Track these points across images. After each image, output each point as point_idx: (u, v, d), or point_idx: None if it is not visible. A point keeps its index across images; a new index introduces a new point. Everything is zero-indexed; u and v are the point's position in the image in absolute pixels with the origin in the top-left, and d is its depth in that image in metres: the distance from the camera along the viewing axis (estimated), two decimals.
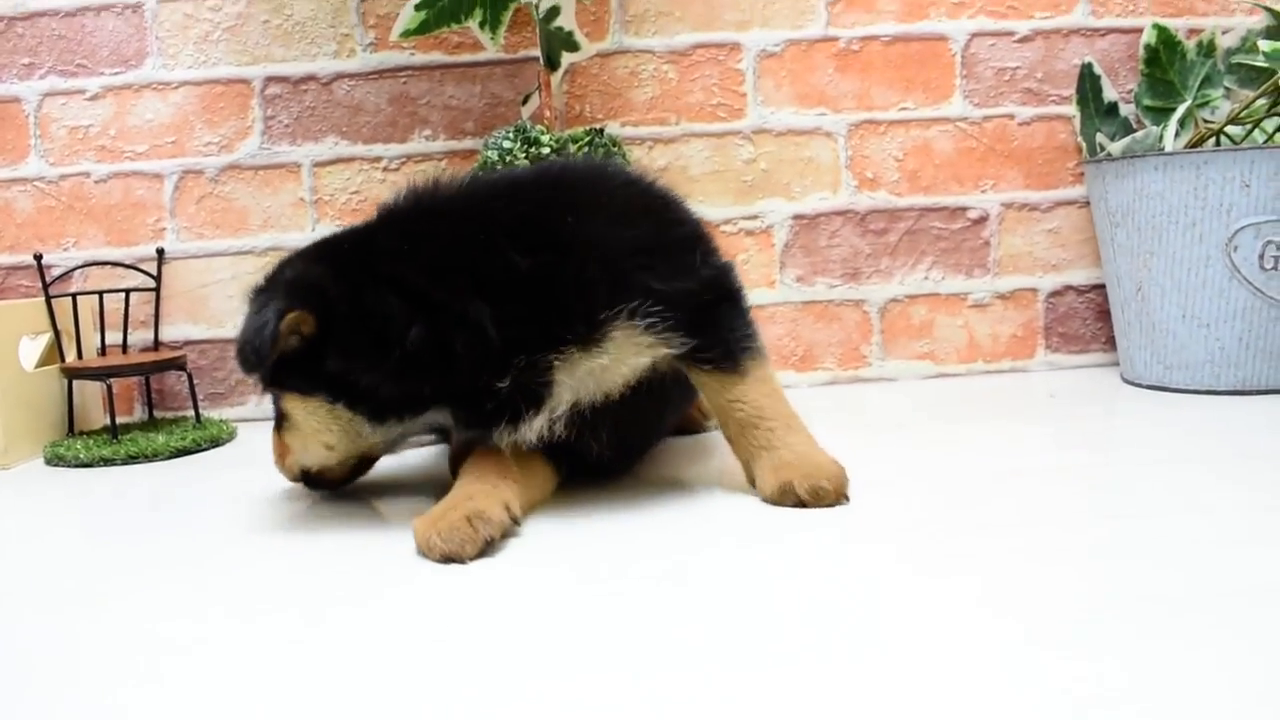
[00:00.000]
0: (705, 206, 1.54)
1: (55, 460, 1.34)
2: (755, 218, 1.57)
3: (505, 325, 0.88)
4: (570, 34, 1.41)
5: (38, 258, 1.45)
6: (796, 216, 1.57)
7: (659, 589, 0.74)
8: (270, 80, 1.56)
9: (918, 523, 0.87)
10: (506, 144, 1.31)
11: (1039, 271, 1.60)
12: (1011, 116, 1.58)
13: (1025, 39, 1.57)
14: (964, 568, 0.75)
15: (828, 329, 1.59)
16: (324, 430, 0.96)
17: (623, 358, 0.91)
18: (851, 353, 1.59)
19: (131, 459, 1.32)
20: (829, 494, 0.91)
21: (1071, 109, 1.57)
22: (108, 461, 1.32)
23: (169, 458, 1.33)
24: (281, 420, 1.01)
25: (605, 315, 0.89)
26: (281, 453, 1.03)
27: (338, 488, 1.07)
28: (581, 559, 0.82)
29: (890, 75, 1.56)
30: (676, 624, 0.67)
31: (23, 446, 1.38)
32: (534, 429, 0.92)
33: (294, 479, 1.04)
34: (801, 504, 0.91)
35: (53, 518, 1.09)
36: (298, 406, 0.96)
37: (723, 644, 0.63)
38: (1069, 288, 1.60)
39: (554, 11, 1.39)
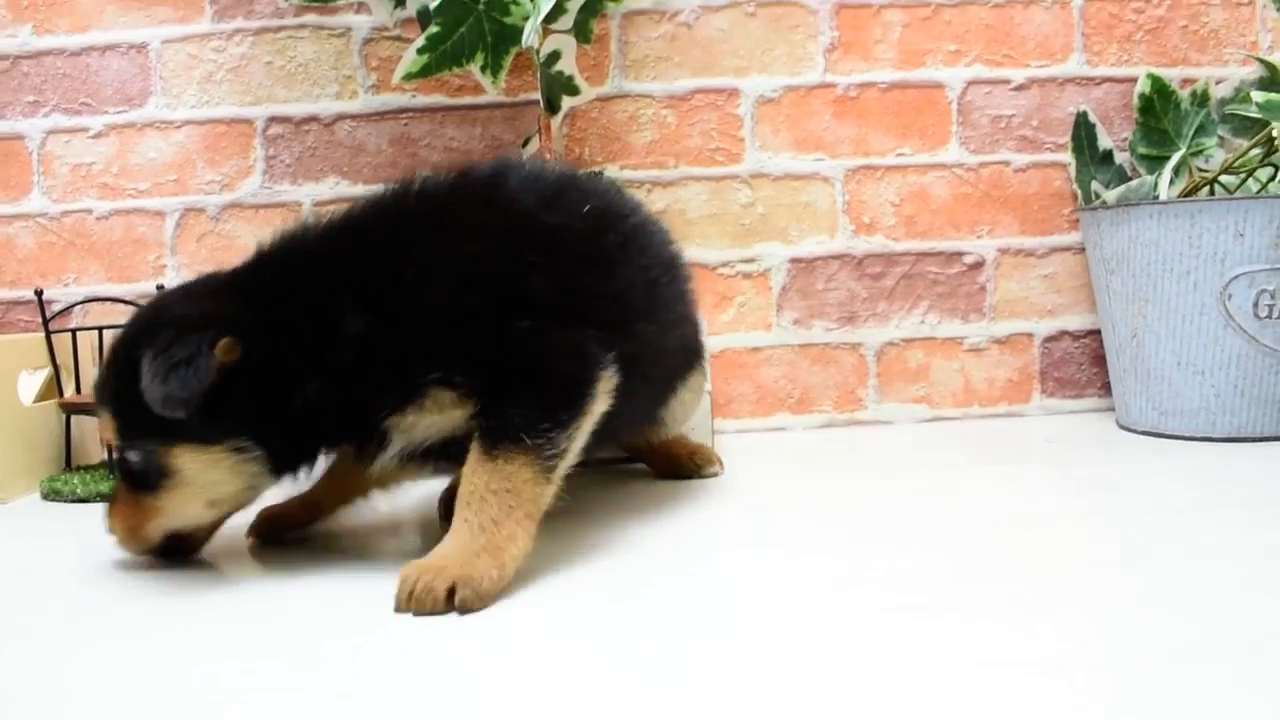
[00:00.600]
0: (703, 249, 1.56)
1: (52, 495, 1.34)
2: (752, 260, 1.58)
3: (339, 388, 0.87)
4: (571, 78, 1.43)
5: (38, 293, 1.45)
6: (794, 260, 1.58)
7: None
8: (273, 120, 1.58)
9: (915, 568, 0.87)
10: None
11: (1035, 316, 1.61)
12: (1007, 163, 1.59)
13: (1021, 87, 1.59)
14: (964, 613, 0.75)
15: (824, 372, 1.59)
16: (222, 483, 0.91)
17: (442, 414, 0.87)
18: (848, 395, 1.60)
19: None
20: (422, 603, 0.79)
21: (1067, 156, 1.59)
22: (105, 497, 1.31)
23: None
24: (148, 481, 0.90)
25: (421, 380, 0.86)
26: (138, 521, 0.93)
27: (196, 552, 0.99)
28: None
29: (887, 121, 1.58)
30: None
31: (20, 481, 1.38)
32: (385, 462, 0.91)
33: (147, 550, 0.96)
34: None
35: (50, 554, 1.08)
36: (195, 459, 0.89)
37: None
38: (1065, 333, 1.61)
39: (555, 56, 1.41)
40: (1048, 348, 1.61)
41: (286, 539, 1.06)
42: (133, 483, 0.92)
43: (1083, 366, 1.61)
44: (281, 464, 0.92)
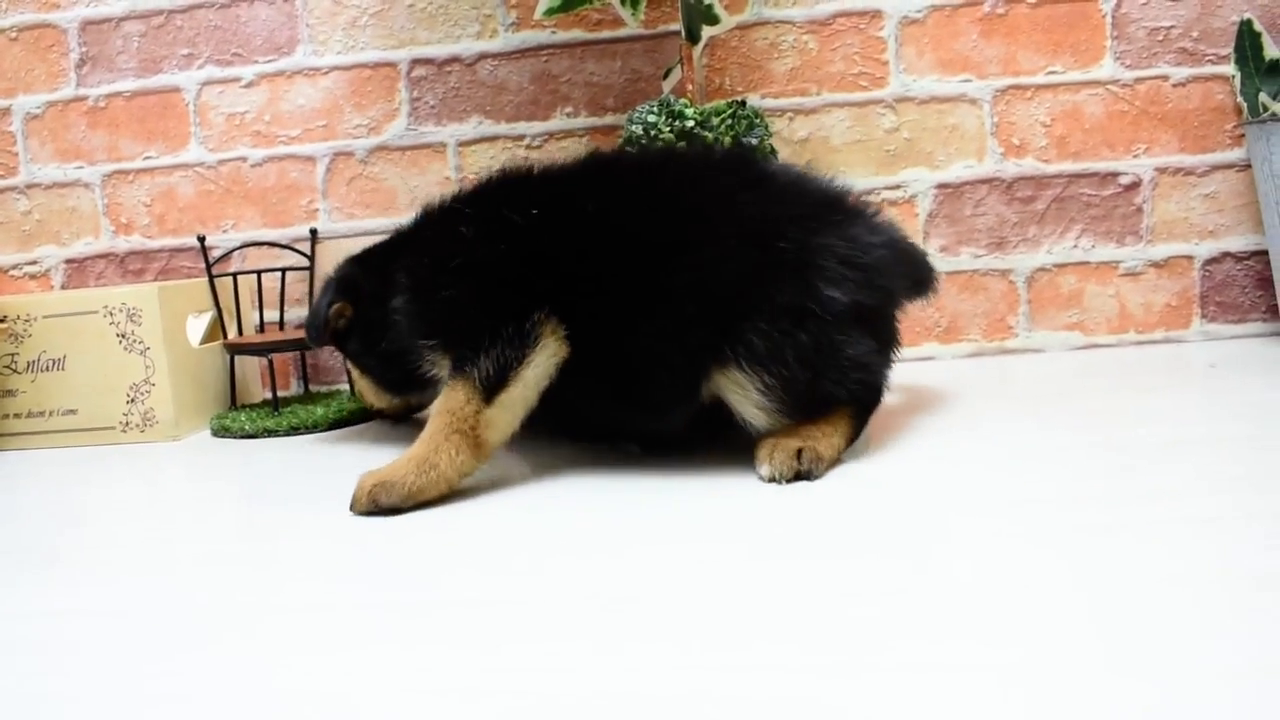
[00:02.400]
0: (848, 176, 1.53)
1: (222, 431, 1.40)
2: (898, 187, 1.55)
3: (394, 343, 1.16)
4: (710, 6, 1.41)
5: (200, 239, 1.51)
6: (940, 185, 1.54)
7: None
8: (416, 63, 1.60)
9: (1087, 491, 0.85)
10: (651, 118, 1.32)
11: (1194, 238, 1.54)
12: (1165, 78, 1.52)
13: None
14: (1140, 533, 0.73)
15: (973, 299, 1.56)
16: (366, 388, 1.32)
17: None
18: (997, 323, 1.56)
19: (294, 430, 1.37)
20: (355, 502, 0.94)
21: (1230, 68, 1.51)
22: (271, 432, 1.37)
23: (328, 428, 1.38)
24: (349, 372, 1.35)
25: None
26: (361, 391, 1.36)
27: (403, 419, 1.39)
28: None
29: (1037, 38, 1.52)
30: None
31: (191, 419, 1.45)
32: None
33: (374, 409, 1.38)
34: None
35: (226, 484, 1.14)
36: (352, 367, 1.35)
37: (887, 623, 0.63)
38: (1227, 254, 1.54)
39: None
40: (1209, 270, 1.54)
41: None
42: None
43: (1246, 290, 1.54)
44: (387, 386, 1.28)
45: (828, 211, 1.02)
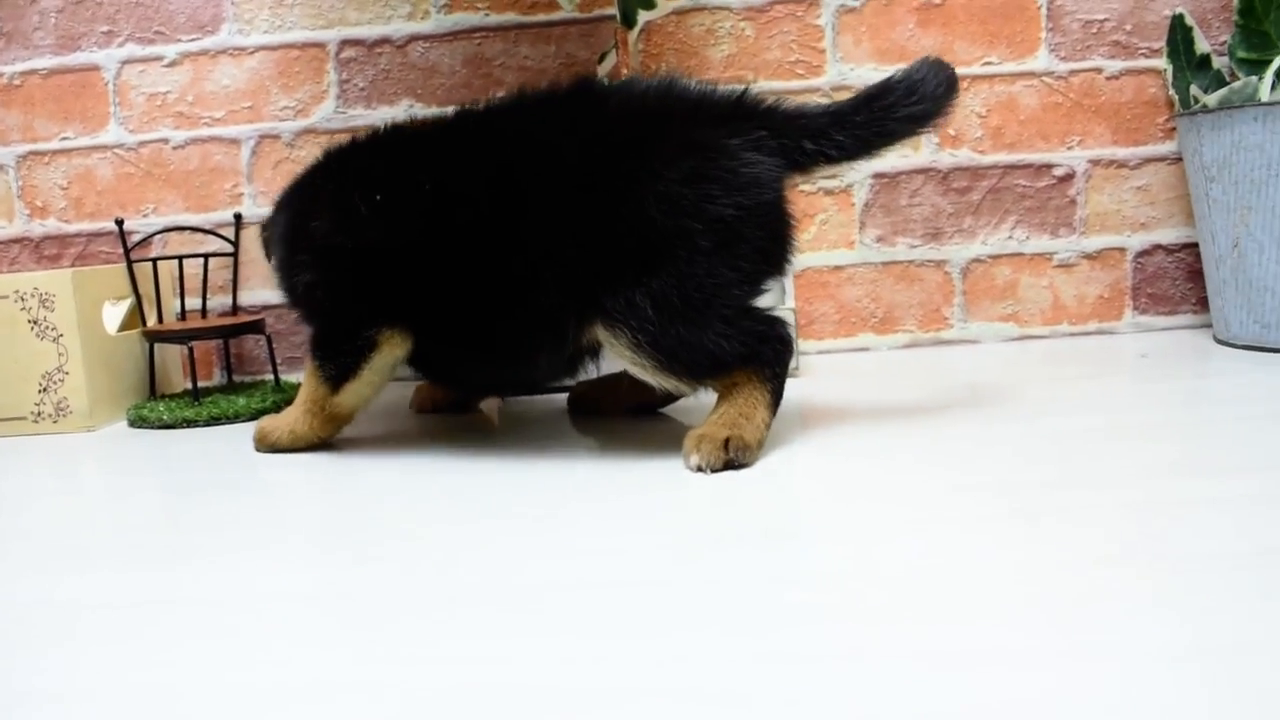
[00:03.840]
0: None
1: (139, 422, 1.36)
2: (834, 177, 1.54)
3: None
4: None
5: (119, 223, 1.46)
6: (877, 175, 1.54)
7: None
8: (345, 44, 1.56)
9: (1014, 480, 0.84)
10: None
11: (1127, 230, 1.55)
12: (1099, 70, 1.53)
13: None
14: (1073, 519, 0.72)
15: (908, 290, 1.55)
16: None
17: None
18: (933, 314, 1.56)
19: (214, 420, 1.33)
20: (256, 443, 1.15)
21: (1162, 62, 1.52)
22: (190, 423, 1.33)
23: (250, 418, 1.34)
24: None
25: None
26: None
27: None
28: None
29: (973, 29, 1.52)
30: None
31: (107, 409, 1.40)
32: None
33: None
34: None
35: (140, 476, 1.09)
36: None
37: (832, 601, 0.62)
38: (1158, 247, 1.55)
39: None
40: (1140, 262, 1.56)
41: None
42: None
43: (1177, 281, 1.56)
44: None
45: (663, 127, 0.97)
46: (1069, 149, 1.54)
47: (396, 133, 1.12)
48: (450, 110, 1.11)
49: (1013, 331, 1.56)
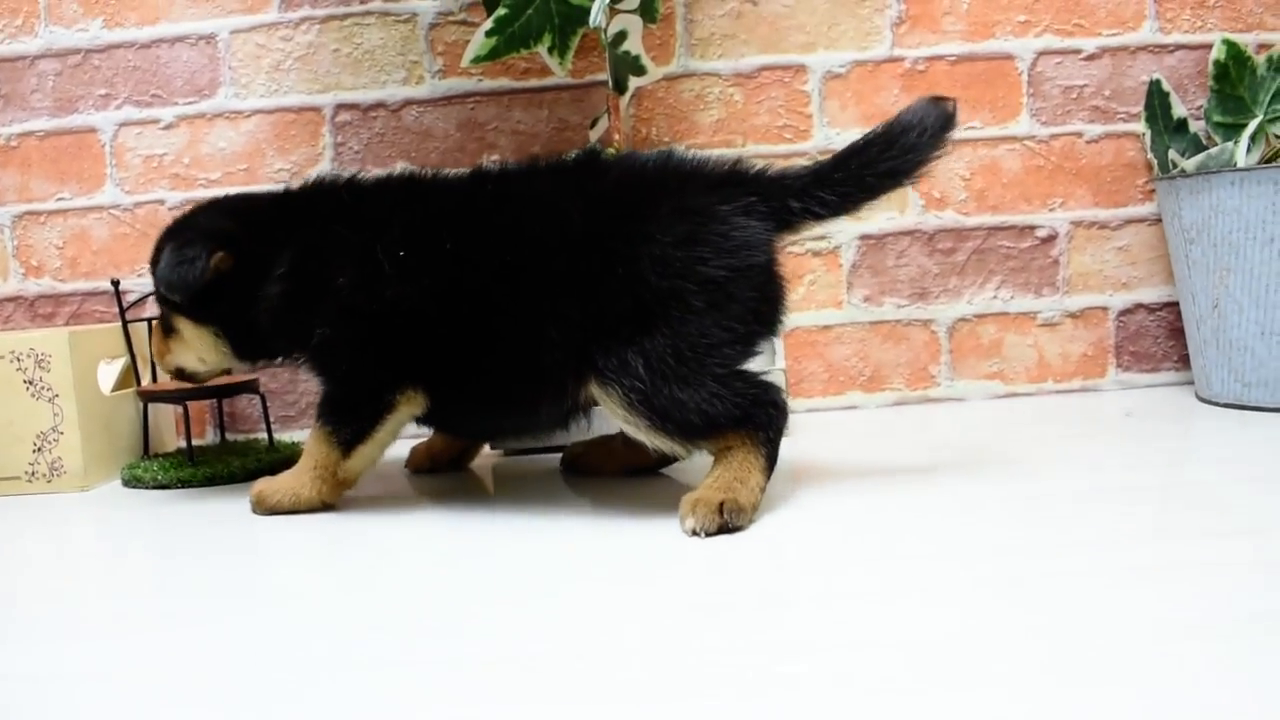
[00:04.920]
0: None
1: (133, 481, 1.36)
2: (822, 238, 1.56)
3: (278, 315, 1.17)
4: (637, 58, 1.42)
5: (114, 283, 1.47)
6: (864, 237, 1.57)
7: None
8: (341, 107, 1.59)
9: (1000, 545, 0.85)
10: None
11: (1109, 290, 1.58)
12: (1079, 134, 1.57)
13: (1092, 56, 1.56)
14: (1053, 586, 0.74)
15: (896, 349, 1.58)
16: (203, 350, 1.23)
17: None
18: (920, 373, 1.58)
19: (209, 480, 1.34)
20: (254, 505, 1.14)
21: (1140, 126, 1.56)
22: (185, 483, 1.34)
23: (245, 479, 1.34)
24: (169, 329, 1.23)
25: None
26: (161, 351, 1.26)
27: (201, 384, 1.32)
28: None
29: (957, 94, 1.52)
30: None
31: (101, 468, 1.40)
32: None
33: (168, 370, 1.28)
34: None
35: (134, 538, 1.10)
36: (189, 327, 1.21)
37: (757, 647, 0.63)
38: (1140, 306, 1.58)
39: (621, 36, 1.40)
40: (1123, 321, 1.58)
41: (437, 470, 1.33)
42: (163, 326, 1.25)
43: (1159, 340, 1.59)
44: (243, 353, 1.22)
45: (659, 194, 1.00)
46: (1051, 210, 1.57)
47: (409, 184, 1.15)
48: (457, 170, 1.15)
49: (999, 389, 1.58)
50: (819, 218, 1.02)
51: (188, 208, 1.28)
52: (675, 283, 0.95)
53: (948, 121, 1.02)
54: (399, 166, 1.58)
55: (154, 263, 1.21)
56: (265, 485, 1.14)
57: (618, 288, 0.97)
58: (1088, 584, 0.73)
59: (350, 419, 1.09)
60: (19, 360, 1.36)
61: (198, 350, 1.23)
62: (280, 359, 1.22)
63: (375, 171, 1.19)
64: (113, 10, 1.61)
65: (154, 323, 1.30)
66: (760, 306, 1.00)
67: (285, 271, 1.13)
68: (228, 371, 1.31)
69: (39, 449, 1.37)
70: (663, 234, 0.96)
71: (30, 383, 1.36)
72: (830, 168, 1.02)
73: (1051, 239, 1.57)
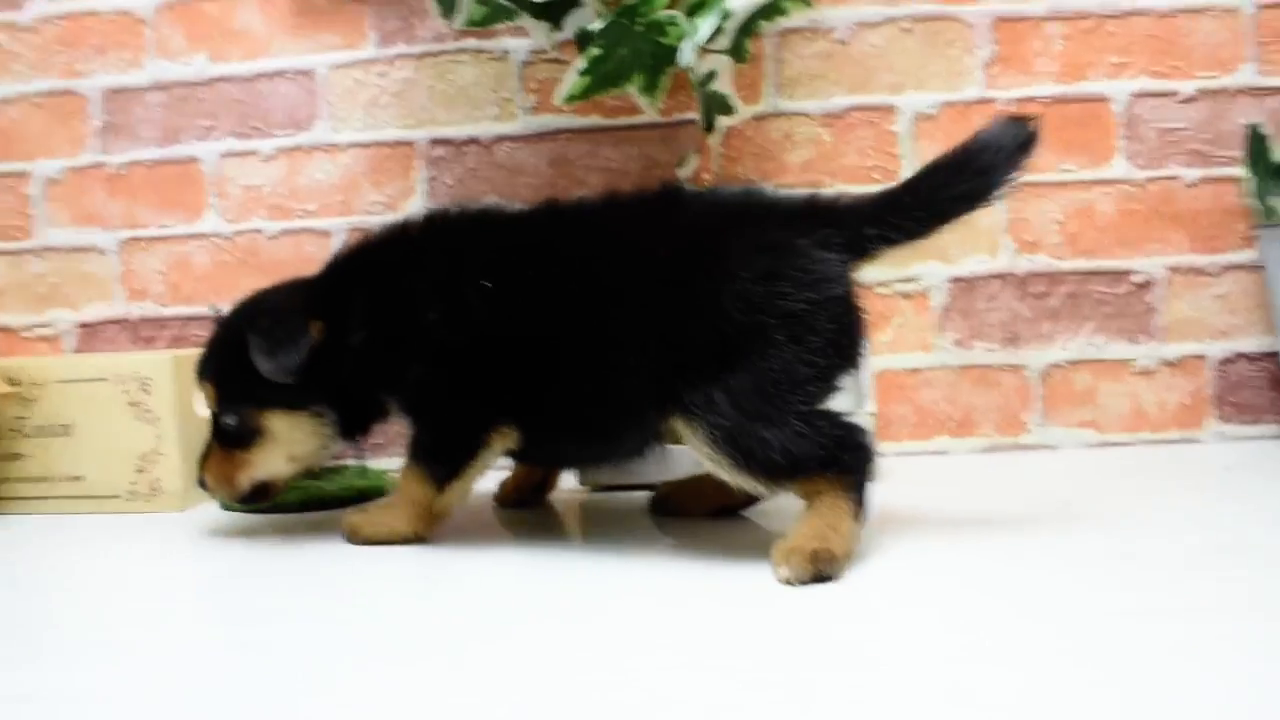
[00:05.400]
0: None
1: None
2: (911, 280, 1.55)
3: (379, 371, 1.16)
4: (726, 97, 1.43)
5: (214, 310, 1.51)
6: (954, 279, 1.55)
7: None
8: (434, 143, 1.62)
9: (1087, 607, 0.83)
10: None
11: (1208, 338, 1.54)
12: (1177, 178, 1.54)
13: (1190, 99, 1.53)
14: (1135, 660, 0.72)
15: (986, 394, 1.55)
16: (302, 442, 1.17)
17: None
18: (1011, 419, 1.55)
19: (302, 507, 1.36)
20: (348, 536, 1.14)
21: (1241, 171, 1.52)
22: (278, 508, 1.36)
23: (338, 505, 1.37)
24: (243, 439, 1.16)
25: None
26: (231, 472, 1.17)
27: (270, 499, 1.23)
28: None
29: (1050, 137, 1.53)
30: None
31: (198, 490, 1.43)
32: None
33: (235, 496, 1.19)
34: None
35: (227, 560, 1.12)
36: (282, 420, 1.16)
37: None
38: (1240, 355, 1.54)
39: (711, 75, 1.41)
40: (1222, 370, 1.54)
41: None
42: (227, 441, 1.17)
43: (1260, 390, 1.54)
44: (349, 428, 1.18)
45: (738, 229, 1.01)
46: (1147, 256, 1.54)
47: (482, 218, 1.16)
48: (543, 202, 1.16)
49: (1092, 438, 1.55)
50: (894, 243, 1.01)
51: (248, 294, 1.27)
52: (757, 318, 0.96)
53: (1027, 142, 1.00)
54: (490, 201, 1.61)
55: (220, 365, 1.18)
56: (359, 518, 1.15)
57: (700, 322, 0.97)
58: (1179, 657, 0.71)
59: (445, 457, 1.10)
60: (123, 383, 1.40)
61: (290, 447, 1.18)
62: (378, 417, 1.20)
63: (437, 208, 1.20)
64: (217, 45, 1.66)
65: (211, 454, 1.19)
66: (840, 339, 0.99)
67: (369, 314, 1.12)
68: (310, 475, 1.29)
69: (140, 469, 1.41)
70: (743, 269, 0.97)
71: (134, 404, 1.40)
72: (903, 192, 1.02)
73: (1148, 285, 1.54)
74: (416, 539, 1.13)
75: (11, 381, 1.42)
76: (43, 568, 1.13)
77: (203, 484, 1.19)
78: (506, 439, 1.10)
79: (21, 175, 1.72)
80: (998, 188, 1.00)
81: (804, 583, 0.90)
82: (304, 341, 1.10)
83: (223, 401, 1.17)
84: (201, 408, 1.46)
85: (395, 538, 1.13)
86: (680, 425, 0.99)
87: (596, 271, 1.04)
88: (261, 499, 1.21)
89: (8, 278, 1.74)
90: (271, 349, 1.10)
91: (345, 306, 1.13)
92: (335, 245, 1.64)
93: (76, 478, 1.42)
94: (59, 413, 1.43)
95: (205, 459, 1.19)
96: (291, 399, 1.14)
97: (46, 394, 1.43)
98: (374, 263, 1.17)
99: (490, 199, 1.61)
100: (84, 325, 1.72)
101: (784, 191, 1.07)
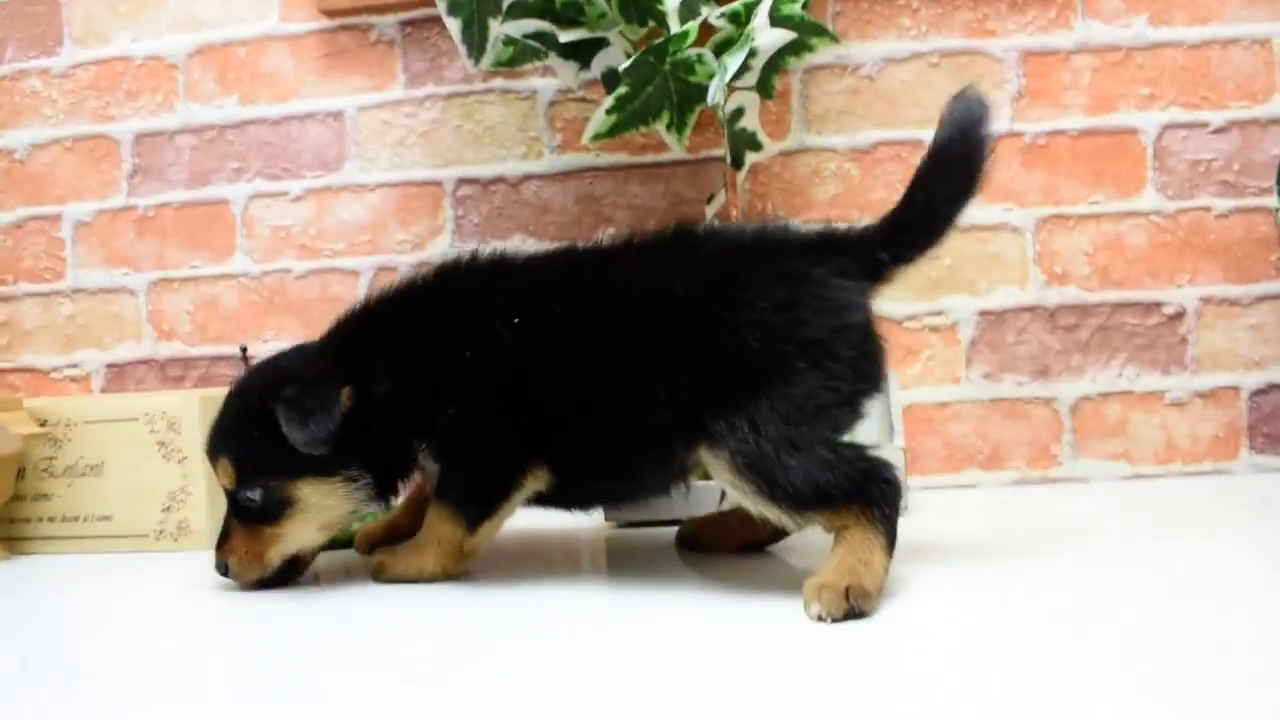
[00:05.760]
0: (888, 302, 1.53)
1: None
2: (940, 313, 1.54)
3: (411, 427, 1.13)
4: (754, 134, 1.44)
5: (242, 349, 1.52)
6: (983, 312, 1.54)
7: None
8: (461, 182, 1.63)
9: (1123, 643, 0.82)
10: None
11: (1241, 369, 1.52)
12: (1208, 209, 1.53)
13: (1220, 130, 1.52)
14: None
15: (1016, 427, 1.54)
16: (335, 508, 1.12)
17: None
18: (1041, 452, 1.54)
19: (333, 545, 1.35)
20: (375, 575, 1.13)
21: (1273, 200, 1.51)
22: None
23: (342, 547, 1.35)
24: (269, 513, 1.10)
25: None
26: (259, 549, 1.11)
27: (301, 575, 1.17)
28: None
29: (1079, 169, 1.53)
30: None
31: None
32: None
33: (264, 574, 1.12)
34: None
35: (252, 600, 1.11)
36: (314, 488, 1.10)
37: None
38: (1274, 386, 1.52)
39: (739, 113, 1.42)
40: (1256, 401, 1.52)
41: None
42: (251, 517, 1.11)
43: None
44: (382, 488, 1.14)
45: (755, 262, 1.02)
46: (1179, 287, 1.53)
47: (504, 263, 1.16)
48: (557, 246, 1.17)
49: (1124, 470, 1.53)
50: (908, 260, 1.03)
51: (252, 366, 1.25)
52: (777, 346, 0.96)
53: (984, 113, 1.02)
54: (517, 239, 1.61)
55: (239, 439, 1.12)
56: (388, 558, 1.14)
57: (722, 354, 0.98)
58: (1215, 694, 0.70)
59: (479, 498, 1.10)
60: (152, 423, 1.41)
61: (322, 515, 1.13)
62: (408, 471, 1.16)
63: (445, 260, 1.18)
64: (247, 88, 1.68)
65: (232, 534, 1.12)
66: (862, 364, 1.00)
67: (394, 364, 1.11)
68: (336, 545, 1.24)
69: (168, 508, 1.41)
70: (761, 299, 0.98)
71: (162, 444, 1.41)
72: (902, 210, 1.04)
73: (1179, 316, 1.53)
74: (444, 578, 1.12)
75: (41, 422, 1.43)
76: (71, 607, 1.13)
77: (224, 569, 1.12)
78: (538, 480, 1.09)
79: (53, 218, 1.74)
80: (981, 168, 1.03)
81: (837, 619, 0.89)
82: (336, 408, 1.07)
83: (245, 477, 1.10)
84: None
85: (424, 577, 1.11)
86: (705, 454, 0.99)
87: (621, 308, 1.04)
88: (292, 575, 1.15)
89: (38, 319, 1.75)
90: (303, 420, 1.06)
91: (366, 363, 1.11)
92: (363, 285, 1.65)
93: (105, 517, 1.42)
94: (88, 452, 1.43)
95: (225, 540, 1.13)
96: (321, 465, 1.09)
97: (75, 434, 1.44)
98: (391, 314, 1.16)
99: (517, 238, 1.61)
100: (112, 365, 1.73)
101: (799, 226, 1.08)
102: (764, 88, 1.42)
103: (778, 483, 0.95)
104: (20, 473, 1.43)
